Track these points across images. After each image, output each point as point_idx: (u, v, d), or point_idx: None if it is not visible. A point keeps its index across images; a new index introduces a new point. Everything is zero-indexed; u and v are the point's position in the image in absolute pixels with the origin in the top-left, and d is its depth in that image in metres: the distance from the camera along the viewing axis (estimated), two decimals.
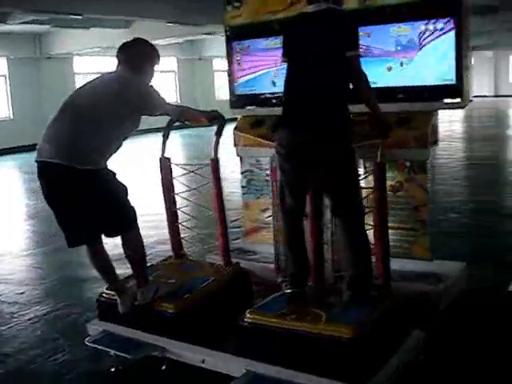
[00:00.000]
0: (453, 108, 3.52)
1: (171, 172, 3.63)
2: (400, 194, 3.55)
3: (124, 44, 3.17)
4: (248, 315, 2.82)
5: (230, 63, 4.27)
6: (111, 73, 3.10)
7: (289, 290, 2.95)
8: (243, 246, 4.22)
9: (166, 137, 3.63)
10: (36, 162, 2.92)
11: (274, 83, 4.00)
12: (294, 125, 2.85)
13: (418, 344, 2.91)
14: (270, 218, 4.07)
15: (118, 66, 3.10)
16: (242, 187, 4.27)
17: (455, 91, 3.39)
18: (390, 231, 3.11)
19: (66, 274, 4.80)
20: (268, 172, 4.07)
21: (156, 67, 3.18)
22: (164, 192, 3.62)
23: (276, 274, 3.77)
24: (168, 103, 3.11)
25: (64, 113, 2.94)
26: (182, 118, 3.28)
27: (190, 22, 10.97)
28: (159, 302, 3.09)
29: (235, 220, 4.84)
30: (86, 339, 3.16)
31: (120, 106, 2.91)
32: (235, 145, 4.12)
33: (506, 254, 4.67)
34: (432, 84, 3.41)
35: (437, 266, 3.55)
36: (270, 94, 4.08)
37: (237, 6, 4.17)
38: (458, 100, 3.42)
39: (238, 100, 4.26)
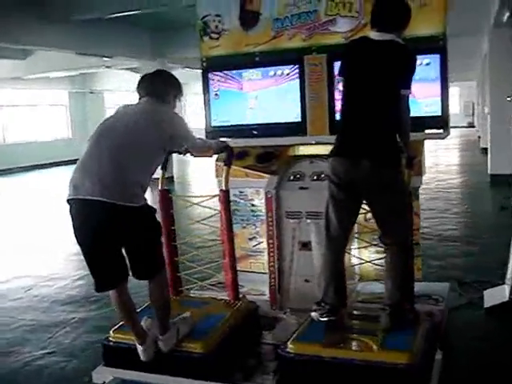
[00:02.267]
0: (437, 138, 3.75)
1: (171, 204, 3.50)
2: None
3: (147, 75, 3.05)
4: (291, 346, 2.76)
5: (206, 93, 4.23)
6: (134, 105, 2.95)
7: (325, 319, 2.93)
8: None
9: (164, 169, 3.49)
10: (71, 199, 2.66)
11: (249, 114, 4.07)
12: (351, 152, 2.88)
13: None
14: (257, 246, 4.08)
15: (141, 97, 2.96)
16: None
17: (440, 122, 3.63)
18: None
19: None
20: (254, 202, 4.09)
21: (179, 99, 3.08)
22: (163, 225, 3.44)
23: (271, 305, 3.78)
24: (195, 137, 3.02)
25: (99, 148, 2.72)
26: (199, 152, 3.19)
27: (99, 53, 10.68)
28: (183, 343, 2.91)
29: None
30: None
31: (157, 138, 2.78)
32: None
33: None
34: (420, 115, 3.62)
35: (427, 286, 3.72)
36: (246, 125, 4.11)
37: (214, 38, 4.16)
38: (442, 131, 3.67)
39: (214, 131, 4.21)
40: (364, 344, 2.69)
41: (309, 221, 3.67)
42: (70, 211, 2.68)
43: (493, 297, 4.16)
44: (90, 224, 2.65)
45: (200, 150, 3.14)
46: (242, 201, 4.14)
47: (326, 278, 3.02)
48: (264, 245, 3.92)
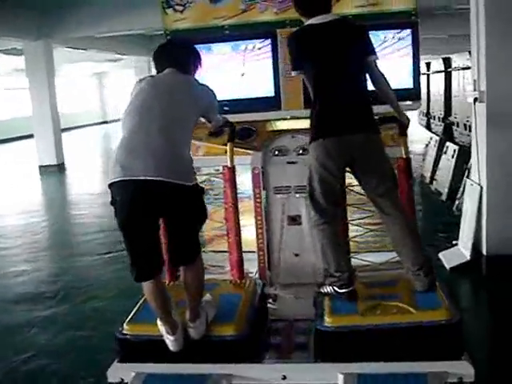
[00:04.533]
0: (410, 109, 3.92)
1: None
2: None
3: (165, 46, 2.89)
4: (328, 319, 2.76)
5: None
6: (162, 76, 2.75)
7: (344, 290, 2.95)
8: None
9: None
10: (119, 181, 2.41)
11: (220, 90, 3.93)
12: (344, 129, 2.88)
13: None
14: None
15: (160, 69, 2.78)
16: None
17: (412, 95, 3.80)
18: (363, 228, 3.53)
19: None
20: None
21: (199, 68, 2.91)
22: None
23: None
24: None
25: (144, 123, 2.50)
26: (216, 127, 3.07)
27: None
28: (213, 328, 2.79)
29: None
30: None
31: (195, 108, 2.66)
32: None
33: None
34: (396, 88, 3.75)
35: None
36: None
37: (179, 10, 3.96)
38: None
39: None
40: (398, 308, 2.77)
41: (298, 195, 3.67)
42: (117, 194, 2.45)
43: (452, 258, 4.47)
44: (143, 207, 2.45)
45: (218, 123, 3.00)
46: (217, 179, 4.01)
47: (334, 250, 3.00)
48: (244, 223, 3.86)
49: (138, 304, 3.07)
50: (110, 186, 2.49)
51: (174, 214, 2.54)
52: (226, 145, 3.78)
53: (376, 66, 3.03)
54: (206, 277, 3.44)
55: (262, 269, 3.74)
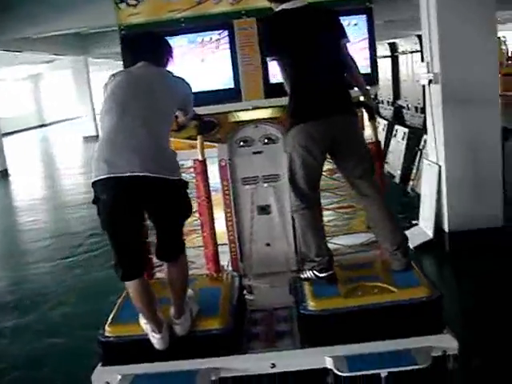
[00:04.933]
0: None
1: None
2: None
3: (138, 39, 2.83)
4: (312, 303, 2.78)
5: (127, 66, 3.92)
6: (135, 70, 2.69)
7: (324, 274, 2.98)
8: None
9: None
10: (105, 178, 2.35)
11: None
12: (325, 112, 2.90)
13: None
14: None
15: (132, 62, 2.71)
16: None
17: (371, 79, 3.86)
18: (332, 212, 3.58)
19: None
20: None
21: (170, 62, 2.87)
22: None
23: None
24: None
25: (127, 117, 2.44)
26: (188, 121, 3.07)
27: None
28: (198, 323, 2.76)
29: None
30: None
31: (173, 101, 2.62)
32: None
33: None
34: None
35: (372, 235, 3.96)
36: None
37: (132, 4, 3.86)
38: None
39: None
40: (379, 288, 2.82)
41: (266, 184, 3.68)
42: (102, 191, 2.39)
43: (414, 237, 4.58)
44: (129, 203, 2.40)
45: (191, 116, 2.97)
46: (183, 174, 3.96)
47: (314, 235, 3.03)
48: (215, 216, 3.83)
49: (117, 305, 3.00)
50: (94, 183, 2.43)
51: (160, 208, 2.51)
52: (189, 138, 3.78)
53: (347, 50, 3.07)
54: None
55: (235, 260, 3.73)
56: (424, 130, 6.72)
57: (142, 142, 2.42)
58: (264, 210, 3.71)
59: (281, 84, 3.76)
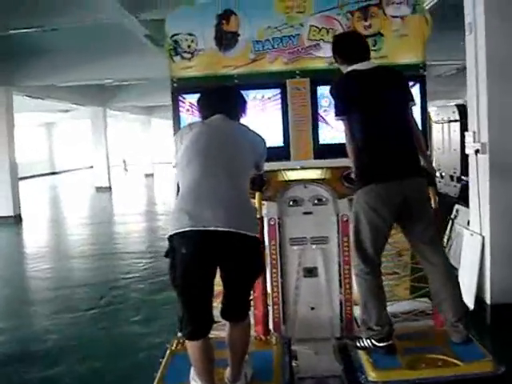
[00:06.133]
0: None
1: None
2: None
3: (214, 92, 2.79)
4: (372, 374, 2.65)
5: (176, 117, 3.93)
6: (213, 122, 2.66)
7: (384, 344, 2.86)
8: None
9: None
10: (187, 231, 2.29)
11: None
12: (398, 174, 2.87)
13: None
14: None
15: (206, 115, 2.68)
16: None
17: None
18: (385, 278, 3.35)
19: None
20: None
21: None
22: None
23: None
24: None
25: (211, 170, 2.41)
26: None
27: None
28: None
29: None
30: None
31: (251, 158, 2.60)
32: None
33: None
34: None
35: (418, 303, 3.84)
36: None
37: (187, 58, 3.91)
38: None
39: None
40: (442, 361, 2.69)
41: (314, 246, 3.59)
42: (182, 244, 2.32)
43: None
44: (209, 257, 2.34)
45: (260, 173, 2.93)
46: None
47: (376, 303, 2.94)
48: None
49: (162, 365, 2.86)
50: (172, 236, 2.36)
51: (235, 265, 2.43)
52: None
53: (412, 113, 3.09)
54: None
55: (277, 323, 3.59)
56: (458, 199, 6.69)
57: (227, 196, 2.38)
58: (311, 272, 3.61)
59: (330, 145, 3.80)
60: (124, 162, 28.60)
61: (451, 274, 2.97)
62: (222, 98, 2.76)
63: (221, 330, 2.71)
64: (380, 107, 2.95)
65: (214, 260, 2.38)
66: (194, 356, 2.48)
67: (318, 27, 3.83)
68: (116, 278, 6.46)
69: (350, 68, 3.04)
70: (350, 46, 3.11)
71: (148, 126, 26.43)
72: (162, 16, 7.71)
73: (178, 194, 2.53)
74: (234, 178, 2.45)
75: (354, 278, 3.46)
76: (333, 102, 3.14)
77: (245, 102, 2.89)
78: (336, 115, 3.05)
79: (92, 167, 20.73)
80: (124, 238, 9.52)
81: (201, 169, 2.45)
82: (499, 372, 2.62)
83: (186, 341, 2.49)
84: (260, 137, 2.78)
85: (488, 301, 4.27)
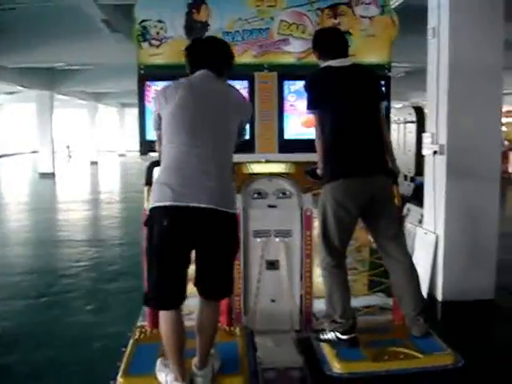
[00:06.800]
0: None
1: None
2: None
3: (204, 42, 2.77)
4: (337, 365, 2.71)
5: (141, 104, 3.87)
6: (199, 80, 2.60)
7: (347, 336, 2.92)
8: None
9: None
10: (169, 206, 2.34)
11: None
12: (365, 170, 2.93)
13: None
14: None
15: (194, 68, 2.66)
16: None
17: None
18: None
19: None
20: None
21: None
22: None
23: None
24: None
25: (195, 142, 2.42)
26: None
27: None
28: (219, 380, 2.62)
29: None
30: None
31: (237, 124, 2.59)
32: None
33: None
34: None
35: (376, 298, 3.93)
36: None
37: (155, 45, 3.85)
38: None
39: (149, 145, 3.85)
40: (404, 354, 2.77)
41: (277, 239, 3.62)
42: (163, 217, 2.36)
43: None
44: (189, 232, 2.39)
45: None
46: None
47: (342, 296, 3.00)
48: None
49: (126, 355, 2.83)
50: (154, 208, 2.40)
51: (215, 241, 2.47)
52: None
53: (383, 112, 3.16)
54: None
55: (238, 314, 3.60)
56: (412, 198, 6.88)
57: (212, 175, 2.41)
58: (273, 264, 3.64)
59: (295, 140, 3.83)
60: (68, 148, 27.82)
61: (413, 269, 3.06)
62: (209, 51, 2.69)
63: (189, 320, 2.71)
64: (352, 104, 3.00)
65: (193, 235, 2.42)
66: (166, 330, 2.49)
67: (288, 22, 3.84)
68: (65, 266, 6.30)
69: (326, 63, 3.08)
70: (329, 41, 3.16)
71: (94, 112, 25.83)
72: (122, 1, 7.65)
73: (160, 163, 2.55)
74: (219, 152, 2.48)
75: (315, 271, 3.54)
76: (304, 96, 3.18)
77: (232, 56, 2.82)
78: (308, 108, 3.09)
79: (35, 152, 20.09)
80: (71, 226, 9.29)
81: (187, 144, 2.45)
82: (459, 364, 2.72)
83: (160, 313, 2.52)
84: (245, 100, 2.81)
85: (439, 297, 4.42)
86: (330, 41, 3.16)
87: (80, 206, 11.46)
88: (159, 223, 2.39)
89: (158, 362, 2.65)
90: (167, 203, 2.36)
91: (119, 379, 2.61)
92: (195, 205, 2.35)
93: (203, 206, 2.36)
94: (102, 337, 4.04)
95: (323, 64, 3.12)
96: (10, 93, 20.07)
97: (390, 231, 3.00)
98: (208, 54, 2.68)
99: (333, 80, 3.05)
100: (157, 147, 2.70)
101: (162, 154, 2.54)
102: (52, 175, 17.82)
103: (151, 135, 3.80)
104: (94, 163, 23.78)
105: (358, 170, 2.93)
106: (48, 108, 18.07)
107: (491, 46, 4.28)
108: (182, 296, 2.50)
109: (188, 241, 2.43)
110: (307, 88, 3.09)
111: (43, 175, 17.59)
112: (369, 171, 2.94)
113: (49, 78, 16.39)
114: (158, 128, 2.61)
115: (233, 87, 2.75)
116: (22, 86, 15.77)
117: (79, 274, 5.94)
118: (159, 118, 2.58)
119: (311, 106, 3.06)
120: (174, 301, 2.48)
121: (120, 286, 5.50)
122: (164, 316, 2.49)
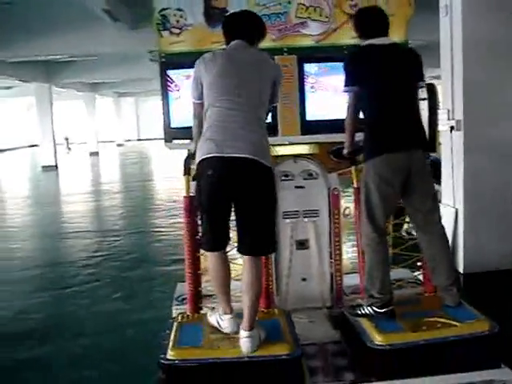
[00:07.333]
0: None
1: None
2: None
3: (240, 15, 3.04)
4: (378, 337, 2.80)
5: (164, 92, 3.92)
6: (234, 49, 2.92)
7: (385, 309, 3.01)
8: None
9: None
10: (212, 157, 2.63)
11: None
12: (405, 145, 3.01)
13: None
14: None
15: (230, 39, 2.97)
16: None
17: None
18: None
19: None
20: None
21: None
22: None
23: None
24: None
25: (237, 102, 2.70)
26: None
27: None
28: (265, 347, 2.72)
29: None
30: None
31: (270, 88, 2.88)
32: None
33: None
34: None
35: (402, 273, 4.02)
36: None
37: (175, 33, 3.89)
38: None
39: (174, 133, 3.92)
40: (440, 323, 2.87)
41: (306, 219, 3.70)
42: (208, 168, 2.67)
43: None
44: (232, 180, 2.66)
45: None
46: None
47: (381, 272, 3.06)
48: None
49: (173, 333, 2.92)
50: (200, 161, 2.70)
51: (254, 192, 2.70)
52: None
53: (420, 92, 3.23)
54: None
55: (271, 295, 3.69)
56: None
57: (251, 129, 2.72)
58: (302, 244, 3.72)
59: (317, 121, 3.89)
60: (66, 139, 27.73)
61: (446, 240, 3.15)
62: (241, 23, 2.98)
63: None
64: (393, 81, 3.06)
65: (236, 185, 2.66)
66: (213, 267, 2.82)
67: (305, 5, 3.88)
68: (85, 256, 6.39)
69: (367, 42, 3.15)
70: (370, 20, 3.20)
71: (92, 103, 25.76)
72: None
73: (201, 126, 2.82)
74: (257, 113, 2.77)
75: (343, 249, 3.63)
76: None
77: (263, 26, 3.10)
78: (346, 85, 3.13)
79: (35, 146, 20.08)
80: (83, 217, 9.38)
81: (228, 107, 2.72)
82: (495, 330, 2.82)
83: (208, 253, 2.85)
84: (277, 66, 3.11)
85: (461, 270, 4.52)
86: (372, 20, 3.21)
87: (88, 197, 11.55)
88: (205, 175, 2.67)
89: (207, 314, 2.98)
90: (212, 155, 2.64)
91: (170, 352, 2.71)
92: (237, 155, 2.62)
93: (245, 155, 2.62)
94: (134, 323, 4.14)
95: (364, 42, 3.17)
96: (7, 87, 20.04)
97: (426, 206, 3.08)
98: (241, 26, 2.98)
99: (375, 58, 3.10)
100: (195, 114, 2.97)
101: (205, 116, 2.80)
102: (55, 168, 17.88)
103: (175, 123, 3.89)
104: (93, 154, 23.80)
105: (399, 145, 3.00)
106: (47, 100, 18.04)
107: (503, 22, 4.34)
108: (226, 240, 2.82)
109: (231, 190, 2.67)
110: (347, 65, 3.14)
111: (46, 168, 17.62)
112: (409, 146, 3.01)
113: (46, 71, 16.36)
114: (198, 96, 2.88)
115: (264, 53, 3.03)
116: (21, 80, 15.73)
117: (100, 263, 6.03)
118: (201, 85, 2.84)
119: (350, 82, 3.11)
120: (220, 244, 2.80)
121: (142, 273, 5.60)
122: (212, 257, 2.81)
